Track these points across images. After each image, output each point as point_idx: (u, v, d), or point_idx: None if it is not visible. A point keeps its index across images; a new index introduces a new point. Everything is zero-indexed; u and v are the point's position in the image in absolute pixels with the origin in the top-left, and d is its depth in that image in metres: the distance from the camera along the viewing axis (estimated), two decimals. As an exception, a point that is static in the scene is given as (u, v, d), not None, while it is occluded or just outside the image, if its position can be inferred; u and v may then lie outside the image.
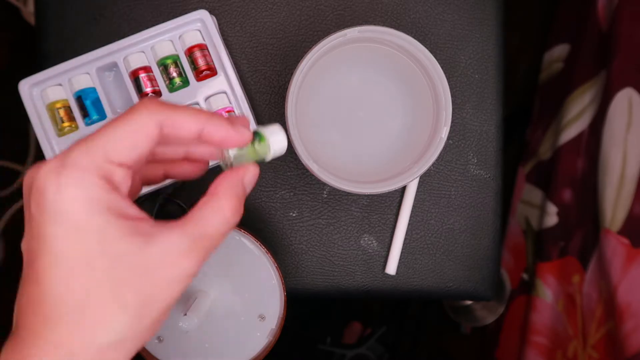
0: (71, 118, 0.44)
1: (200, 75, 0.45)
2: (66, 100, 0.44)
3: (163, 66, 0.45)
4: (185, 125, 0.25)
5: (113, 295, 0.23)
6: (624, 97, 0.56)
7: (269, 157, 0.29)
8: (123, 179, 0.24)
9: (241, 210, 0.27)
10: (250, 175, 0.28)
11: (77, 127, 0.44)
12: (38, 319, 0.24)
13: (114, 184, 0.24)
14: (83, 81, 0.44)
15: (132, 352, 0.25)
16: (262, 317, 0.42)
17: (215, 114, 0.27)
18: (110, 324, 0.24)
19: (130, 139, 0.24)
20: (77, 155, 0.23)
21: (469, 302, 0.81)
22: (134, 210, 0.25)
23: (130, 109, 0.25)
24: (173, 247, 0.24)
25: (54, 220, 0.23)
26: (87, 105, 0.44)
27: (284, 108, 0.41)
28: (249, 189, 0.28)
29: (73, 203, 0.23)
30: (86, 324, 0.23)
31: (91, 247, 0.23)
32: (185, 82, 0.45)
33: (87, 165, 0.23)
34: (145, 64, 0.44)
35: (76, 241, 0.23)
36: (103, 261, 0.23)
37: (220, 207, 0.26)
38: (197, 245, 0.25)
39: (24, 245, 0.25)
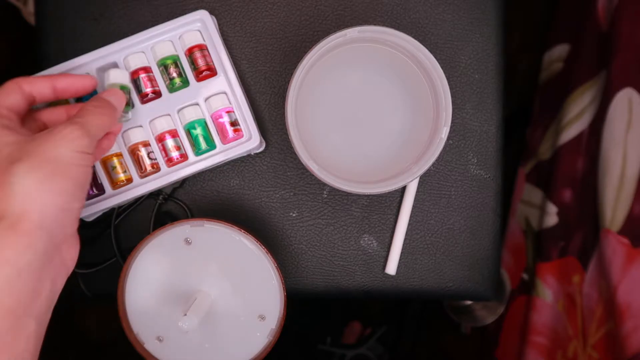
0: None
1: (200, 76, 0.45)
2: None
3: (163, 66, 0.45)
4: (39, 82, 0.37)
5: (10, 160, 0.32)
6: (624, 97, 0.56)
7: (111, 84, 0.41)
8: (8, 113, 0.35)
9: (105, 108, 0.37)
10: (110, 92, 0.40)
11: None
12: None
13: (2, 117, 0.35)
14: None
15: (51, 196, 0.32)
16: (262, 317, 0.42)
17: (58, 75, 0.39)
18: (13, 173, 0.31)
19: (4, 93, 0.36)
20: None
21: (469, 302, 0.81)
22: (24, 130, 0.35)
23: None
24: (58, 129, 0.34)
25: None
26: None
27: (284, 108, 0.41)
28: (113, 99, 0.39)
29: None
30: None
31: None
32: (185, 83, 0.45)
33: None
34: (146, 64, 0.44)
35: None
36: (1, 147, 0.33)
37: (85, 105, 0.37)
38: (74, 126, 0.34)
39: None
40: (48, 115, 0.40)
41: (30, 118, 0.39)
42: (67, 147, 0.33)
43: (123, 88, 0.42)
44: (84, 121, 0.35)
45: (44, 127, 0.40)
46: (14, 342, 0.30)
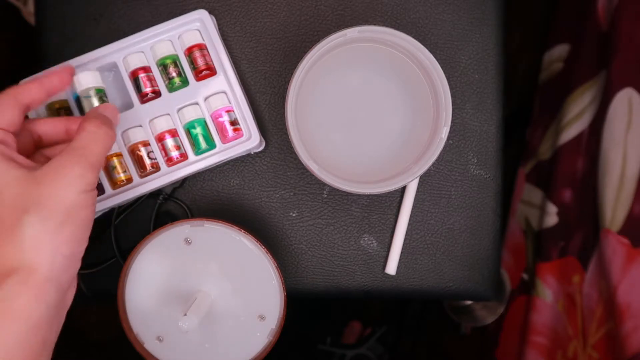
0: None
1: (200, 75, 0.45)
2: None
3: (162, 66, 0.45)
4: (32, 89, 0.37)
5: (14, 206, 0.31)
6: (624, 97, 0.56)
7: (85, 85, 0.42)
8: (4, 137, 0.34)
9: (102, 128, 0.36)
10: (103, 107, 0.38)
11: None
12: None
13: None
14: (82, 81, 0.44)
15: (57, 245, 0.31)
16: (262, 317, 0.42)
17: (41, 76, 0.40)
18: (20, 225, 0.31)
19: (1, 112, 0.34)
20: None
21: (469, 302, 0.81)
22: (22, 159, 0.34)
23: None
24: (61, 162, 0.33)
25: None
26: (86, 107, 0.44)
27: (284, 108, 0.41)
28: (107, 113, 0.38)
29: None
30: (4, 232, 0.31)
31: None
32: (185, 82, 0.45)
33: None
34: (145, 64, 0.44)
35: None
36: (3, 187, 0.31)
37: (81, 129, 0.35)
38: (78, 157, 0.33)
39: None
40: (45, 128, 0.39)
41: (25, 131, 0.38)
42: (73, 190, 0.32)
43: (99, 91, 0.42)
44: (86, 152, 0.34)
45: (39, 141, 0.39)
46: None
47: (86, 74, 0.42)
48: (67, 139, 0.39)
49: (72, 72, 0.41)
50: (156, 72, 0.45)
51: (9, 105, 0.35)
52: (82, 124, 0.35)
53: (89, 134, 0.35)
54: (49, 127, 0.39)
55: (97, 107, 0.39)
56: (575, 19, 0.71)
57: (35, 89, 0.37)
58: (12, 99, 0.35)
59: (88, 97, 0.43)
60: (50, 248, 0.31)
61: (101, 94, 0.43)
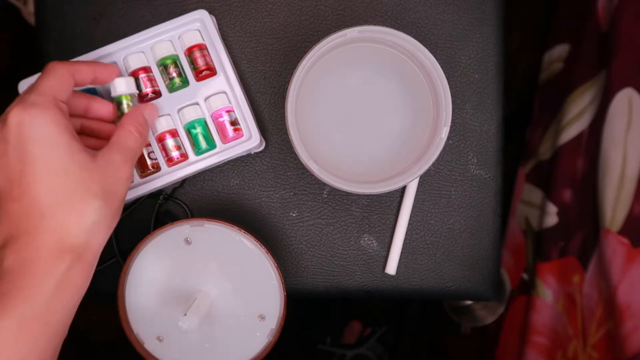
0: None
1: (200, 75, 0.45)
2: None
3: (163, 66, 0.45)
4: (84, 70, 0.38)
5: (86, 189, 0.33)
6: (624, 97, 0.56)
7: (120, 91, 0.42)
8: (67, 111, 0.35)
9: (144, 131, 0.40)
10: (148, 109, 0.41)
11: None
12: (33, 221, 0.32)
13: (65, 114, 0.35)
14: None
15: (107, 231, 0.35)
16: (262, 317, 0.42)
17: (95, 62, 0.40)
18: (91, 208, 0.33)
19: (62, 83, 0.35)
20: (33, 97, 0.33)
21: (469, 302, 0.81)
22: (79, 140, 0.35)
23: (49, 67, 0.36)
24: (114, 159, 0.36)
25: (33, 142, 0.32)
26: None
27: (284, 108, 0.41)
28: (149, 118, 0.41)
29: (45, 127, 0.33)
30: (74, 211, 0.33)
31: (64, 158, 0.33)
32: (185, 82, 0.45)
33: (45, 102, 0.33)
34: (145, 64, 0.44)
35: (53, 154, 0.33)
36: (74, 167, 0.33)
37: (128, 131, 0.38)
38: (126, 156, 0.37)
39: (0, 179, 0.33)
40: (97, 109, 0.42)
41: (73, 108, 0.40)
42: (126, 187, 0.37)
43: (126, 98, 0.43)
44: (134, 154, 0.38)
45: (87, 129, 0.41)
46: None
47: (121, 80, 0.42)
48: (95, 82, 0.41)
49: (118, 74, 0.42)
50: (156, 72, 0.45)
51: (67, 81, 0.36)
52: (124, 123, 0.39)
53: (135, 132, 0.39)
54: (102, 110, 0.42)
55: (138, 106, 0.42)
56: (575, 19, 0.71)
57: (86, 71, 0.38)
58: (69, 75, 0.36)
59: (120, 101, 0.43)
60: (105, 233, 0.35)
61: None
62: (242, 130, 0.45)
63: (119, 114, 0.42)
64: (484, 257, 0.50)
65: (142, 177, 0.45)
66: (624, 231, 0.54)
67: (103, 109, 0.42)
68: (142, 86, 0.44)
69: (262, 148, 0.48)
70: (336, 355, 0.96)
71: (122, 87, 0.42)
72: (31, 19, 0.86)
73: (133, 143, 0.38)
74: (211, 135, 0.45)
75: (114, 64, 0.44)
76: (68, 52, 0.47)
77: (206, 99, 0.45)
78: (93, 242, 0.34)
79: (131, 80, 0.43)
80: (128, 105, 0.43)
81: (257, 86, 0.49)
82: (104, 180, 0.34)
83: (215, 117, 0.45)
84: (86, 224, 0.33)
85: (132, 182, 0.37)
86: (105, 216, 0.34)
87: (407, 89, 0.44)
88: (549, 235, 0.66)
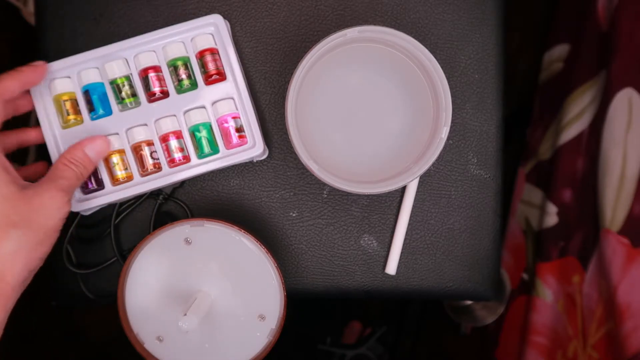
0: (77, 111, 0.45)
1: (210, 79, 0.45)
2: (73, 93, 0.44)
3: (173, 67, 0.45)
4: (7, 84, 0.39)
5: (4, 218, 0.34)
6: (624, 97, 0.56)
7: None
8: None
9: (84, 163, 0.41)
10: (93, 143, 0.42)
11: (82, 121, 0.45)
12: None
13: None
14: (92, 76, 0.44)
15: (28, 261, 0.35)
16: (262, 317, 0.42)
17: (18, 69, 0.40)
18: (7, 237, 0.34)
19: None
20: None
21: (469, 302, 0.81)
22: (12, 169, 0.37)
23: None
24: (45, 189, 0.37)
25: None
26: (94, 100, 0.44)
27: (284, 108, 0.41)
28: (91, 152, 0.42)
29: None
30: None
31: None
32: (194, 85, 0.45)
33: None
34: (156, 63, 0.45)
35: None
36: None
37: (63, 164, 0.40)
38: (59, 186, 0.38)
39: None
40: (24, 137, 0.44)
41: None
42: (57, 216, 0.37)
43: (127, 79, 0.44)
44: (69, 184, 0.39)
45: (16, 146, 0.43)
46: None
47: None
48: (27, 87, 0.41)
49: (44, 70, 0.43)
50: (166, 73, 0.45)
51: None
52: (61, 156, 0.40)
53: (65, 166, 0.40)
54: (7, 89, 0.41)
55: (81, 141, 0.42)
56: (575, 19, 0.71)
57: (10, 85, 0.39)
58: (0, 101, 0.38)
59: (116, 83, 0.44)
60: (24, 263, 0.35)
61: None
62: (246, 138, 0.45)
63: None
64: (484, 257, 0.50)
65: (142, 175, 0.45)
66: (624, 231, 0.54)
67: (40, 75, 0.42)
68: (151, 85, 0.44)
69: (265, 157, 0.48)
70: (336, 355, 0.96)
71: (114, 70, 0.43)
72: (31, 19, 0.86)
73: (69, 173, 0.39)
74: (215, 139, 0.45)
75: (123, 60, 0.45)
76: (68, 52, 0.47)
77: (213, 103, 0.45)
78: (10, 272, 0.34)
79: (120, 62, 0.44)
80: (131, 86, 0.45)
81: (257, 86, 0.49)
82: (29, 211, 0.35)
83: (221, 122, 0.45)
84: (1, 251, 0.34)
85: (69, 210, 0.38)
86: (26, 245, 0.35)
87: (407, 89, 0.44)
88: (549, 235, 0.66)
